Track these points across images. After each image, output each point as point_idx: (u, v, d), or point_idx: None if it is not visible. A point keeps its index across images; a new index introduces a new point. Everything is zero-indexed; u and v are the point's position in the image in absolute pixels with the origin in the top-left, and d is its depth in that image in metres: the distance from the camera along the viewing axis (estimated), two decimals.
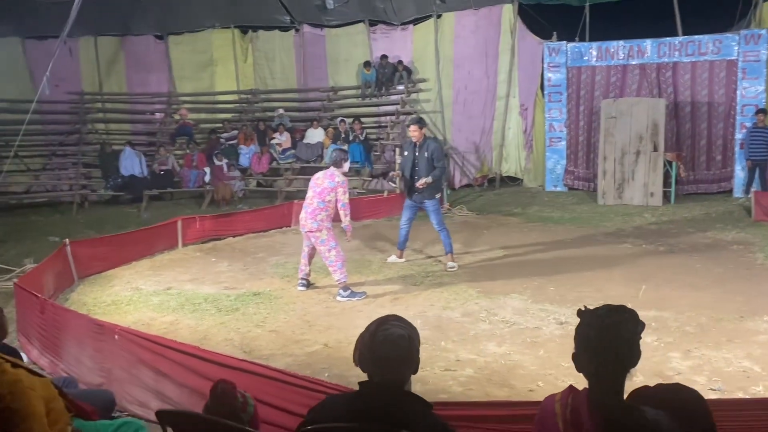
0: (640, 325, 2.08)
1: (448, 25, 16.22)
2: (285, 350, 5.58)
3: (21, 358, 3.27)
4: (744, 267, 7.80)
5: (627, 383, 2.10)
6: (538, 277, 7.65)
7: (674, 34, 14.23)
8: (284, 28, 17.46)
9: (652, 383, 4.69)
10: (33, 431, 2.52)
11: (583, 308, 2.13)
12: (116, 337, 4.25)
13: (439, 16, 16.21)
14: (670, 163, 12.96)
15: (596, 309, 2.12)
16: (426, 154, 8.08)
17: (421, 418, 2.01)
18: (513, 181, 16.13)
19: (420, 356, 2.15)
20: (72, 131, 16.76)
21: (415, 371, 2.16)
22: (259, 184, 15.68)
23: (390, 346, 2.03)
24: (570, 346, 4.87)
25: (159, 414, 2.27)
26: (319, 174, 7.38)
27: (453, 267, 8.19)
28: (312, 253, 7.40)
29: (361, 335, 2.13)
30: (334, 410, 2.09)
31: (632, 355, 2.05)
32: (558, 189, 14.92)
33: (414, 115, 12.65)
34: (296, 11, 16.95)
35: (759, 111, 12.59)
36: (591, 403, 2.00)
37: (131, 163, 14.92)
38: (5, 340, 3.64)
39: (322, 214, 7.08)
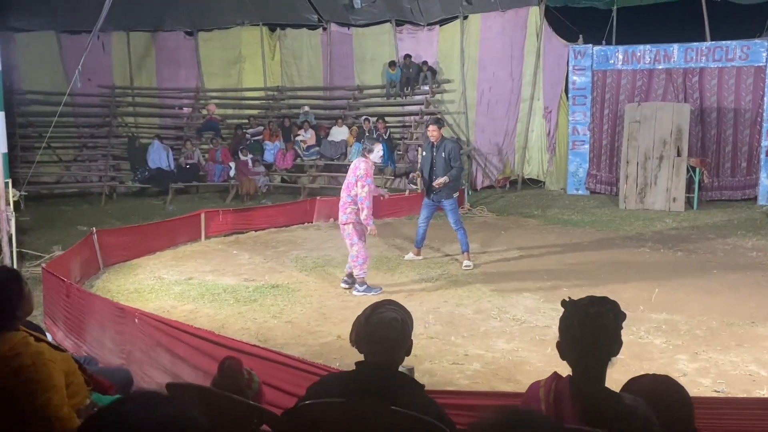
0: (620, 316, 2.18)
1: (474, 27, 16.28)
2: (299, 340, 5.74)
3: (45, 335, 3.44)
4: (761, 273, 7.78)
5: (609, 370, 2.20)
6: (553, 278, 7.72)
7: (702, 39, 14.15)
8: (312, 27, 17.67)
9: None
10: (52, 401, 2.69)
11: (567, 299, 2.24)
12: (136, 320, 4.43)
13: (465, 18, 16.27)
14: (693, 168, 12.90)
15: (579, 300, 2.23)
16: (443, 154, 8.19)
17: (413, 398, 2.13)
18: (535, 183, 16.13)
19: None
20: (102, 124, 17.15)
21: (408, 353, 2.28)
22: (283, 180, 15.89)
23: (384, 329, 2.16)
24: None
25: (169, 386, 2.42)
26: (351, 165, 7.44)
27: (469, 266, 8.29)
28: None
29: (358, 318, 2.26)
30: (330, 388, 2.22)
31: (612, 344, 2.15)
32: (580, 192, 14.91)
33: (434, 116, 12.76)
34: (324, 10, 17.14)
35: None
36: (573, 389, 2.11)
37: (159, 157, 15.23)
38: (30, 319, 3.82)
39: (349, 208, 7.14)
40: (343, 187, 7.27)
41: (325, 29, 17.52)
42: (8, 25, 16.81)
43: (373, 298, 7.01)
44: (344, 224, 7.21)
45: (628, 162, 13.08)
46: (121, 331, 4.66)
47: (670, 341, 5.51)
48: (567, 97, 15.26)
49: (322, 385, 2.27)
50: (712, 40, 14.06)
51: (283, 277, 7.95)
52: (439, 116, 11.80)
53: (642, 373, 4.73)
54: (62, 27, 16.96)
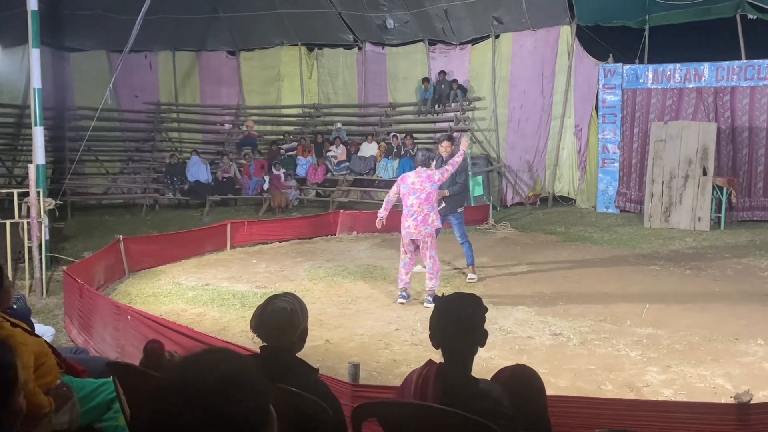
0: (479, 311, 2.46)
1: (505, 46, 16.52)
2: None
3: (31, 323, 3.87)
4: (765, 293, 7.76)
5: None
6: (553, 292, 7.88)
7: (735, 57, 14.03)
8: (348, 46, 18.21)
9: (622, 394, 4.98)
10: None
11: (440, 295, 2.53)
12: (129, 317, 4.86)
13: (497, 37, 16.52)
14: (720, 188, 12.79)
15: (448, 295, 2.51)
16: None
17: (302, 379, 2.44)
18: (566, 201, 16.18)
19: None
20: (147, 138, 18.02)
21: (302, 339, 2.58)
22: (317, 195, 16.38)
23: (274, 317, 2.48)
24: (554, 355, 5.39)
25: (109, 365, 2.79)
26: (412, 178, 7.42)
27: (473, 279, 8.51)
28: (413, 261, 7.55)
29: (257, 308, 2.58)
30: None
31: (471, 335, 2.42)
32: (610, 210, 14.89)
33: (446, 133, 13.03)
34: (359, 30, 17.67)
35: None
36: (438, 374, 2.39)
37: (197, 170, 15.93)
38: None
39: (430, 218, 7.32)
40: (419, 201, 7.24)
41: (360, 49, 18.04)
42: (63, 46, 17.92)
43: (370, 306, 7.32)
44: (427, 236, 7.30)
45: (653, 180, 13.05)
46: (117, 327, 5.10)
47: (645, 354, 5.64)
48: (597, 115, 15.31)
49: None
50: (747, 58, 13.93)
51: (293, 285, 8.32)
52: (452, 134, 12.05)
53: (606, 383, 4.93)
54: (112, 47, 17.93)
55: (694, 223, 12.57)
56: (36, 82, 8.80)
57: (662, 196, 12.94)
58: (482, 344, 2.49)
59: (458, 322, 2.41)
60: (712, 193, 12.75)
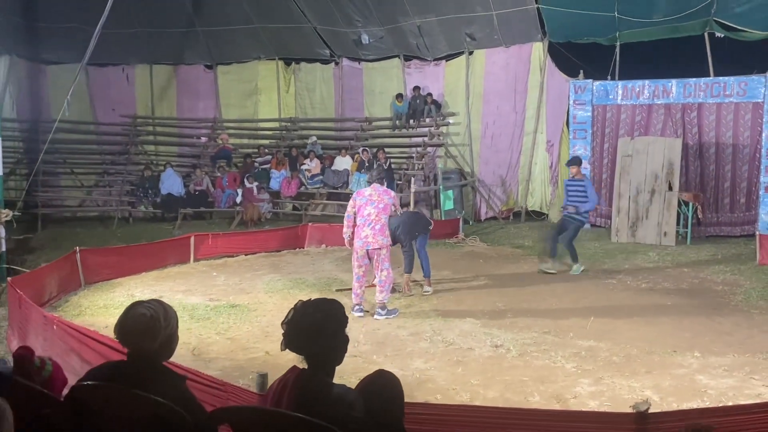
0: (331, 317, 2.47)
1: (479, 62, 16.65)
2: (230, 355, 6.08)
3: None
4: (713, 307, 7.81)
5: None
6: (505, 305, 7.91)
7: (704, 75, 14.18)
8: (325, 61, 18.31)
9: (549, 405, 4.98)
10: None
11: (298, 302, 2.55)
12: (54, 327, 4.85)
13: (471, 53, 16.66)
14: (686, 203, 12.88)
15: (306, 300, 2.54)
16: None
17: (165, 386, 2.44)
18: (539, 215, 16.25)
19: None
20: (123, 152, 18.01)
21: (168, 346, 2.57)
22: (294, 208, 16.36)
23: (133, 323, 2.49)
24: (491, 366, 5.40)
25: None
26: (368, 191, 7.55)
27: (428, 291, 8.55)
28: (366, 274, 7.57)
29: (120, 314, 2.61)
30: (105, 371, 2.57)
31: (326, 340, 2.44)
32: None
33: None
34: (335, 45, 17.78)
35: None
36: (296, 380, 2.40)
37: (171, 183, 15.93)
38: None
39: (387, 230, 7.44)
40: (377, 211, 7.34)
41: (337, 63, 18.14)
42: (41, 58, 17.95)
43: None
44: (380, 248, 7.36)
45: (620, 195, 13.14)
46: (46, 337, 5.08)
47: (581, 366, 5.66)
48: (569, 131, 15.42)
49: (99, 369, 2.61)
50: (715, 76, 14.09)
51: (247, 298, 8.32)
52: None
53: (535, 394, 4.93)
54: (90, 60, 17.93)
55: (660, 238, 12.64)
56: None
57: (629, 211, 13.02)
58: (344, 350, 2.52)
59: (308, 327, 2.44)
60: (679, 209, 12.84)
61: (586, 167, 15.00)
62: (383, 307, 7.39)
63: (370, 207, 7.37)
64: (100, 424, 2.44)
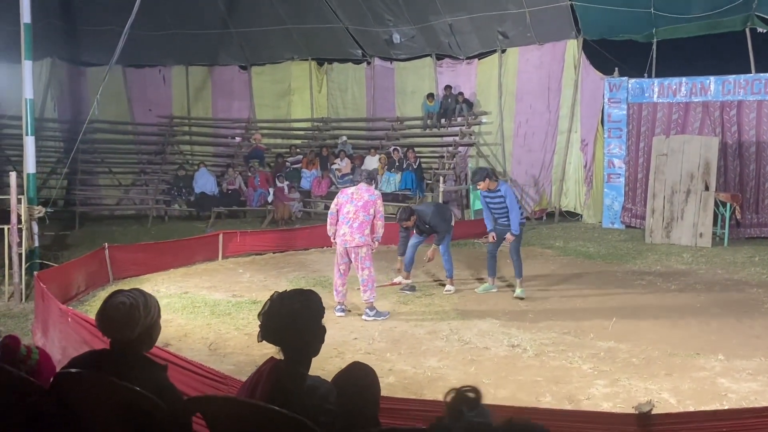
0: (310, 307, 2.45)
1: (512, 60, 16.48)
2: (246, 351, 6.11)
3: None
4: (744, 309, 7.55)
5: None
6: (525, 305, 7.79)
7: (745, 71, 13.76)
8: (357, 61, 18.38)
9: (560, 406, 4.89)
10: None
11: (275, 293, 2.53)
12: (69, 320, 4.94)
13: (503, 51, 16.50)
14: (723, 203, 12.52)
15: (283, 292, 2.52)
16: None
17: (148, 375, 2.45)
18: (573, 216, 16.00)
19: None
20: (159, 151, 18.35)
21: (148, 336, 2.57)
22: (325, 207, 16.39)
23: (111, 312, 2.50)
24: (505, 366, 5.33)
25: None
26: (351, 189, 7.59)
27: (450, 290, 8.47)
28: (347, 272, 7.52)
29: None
30: (84, 359, 2.59)
31: (298, 330, 2.41)
32: (615, 226, 14.66)
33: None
34: (367, 45, 17.82)
35: None
36: (271, 371, 2.38)
37: (204, 182, 16.15)
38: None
39: (367, 229, 7.33)
40: (355, 209, 7.30)
41: (369, 63, 18.18)
42: (80, 61, 18.40)
43: (335, 316, 7.26)
44: (359, 246, 7.26)
45: (654, 195, 12.83)
46: (62, 330, 5.18)
47: (597, 367, 5.53)
48: (603, 130, 15.14)
49: (82, 356, 2.64)
50: (756, 72, 13.66)
51: (269, 295, 8.34)
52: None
53: (546, 394, 4.85)
54: (128, 62, 18.33)
55: (696, 239, 12.30)
56: (27, 93, 8.98)
57: (663, 212, 12.70)
58: (320, 341, 2.49)
59: (284, 318, 2.42)
60: (716, 209, 12.49)
61: (621, 166, 14.74)
62: (371, 308, 7.29)
63: (350, 205, 7.38)
64: (80, 411, 2.46)
